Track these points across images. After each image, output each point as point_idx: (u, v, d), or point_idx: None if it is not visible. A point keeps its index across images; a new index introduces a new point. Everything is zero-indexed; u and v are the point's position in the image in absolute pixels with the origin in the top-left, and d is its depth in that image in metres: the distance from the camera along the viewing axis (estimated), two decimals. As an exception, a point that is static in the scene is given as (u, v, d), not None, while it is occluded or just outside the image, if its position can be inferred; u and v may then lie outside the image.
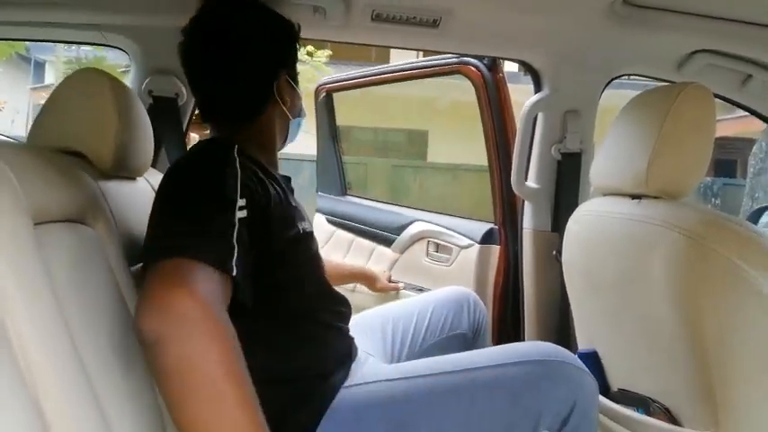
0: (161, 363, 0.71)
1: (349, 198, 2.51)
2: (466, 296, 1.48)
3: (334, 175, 2.55)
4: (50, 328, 0.64)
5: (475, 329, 1.45)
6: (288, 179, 1.20)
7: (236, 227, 0.83)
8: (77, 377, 0.66)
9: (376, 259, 2.20)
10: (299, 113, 1.17)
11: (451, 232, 2.03)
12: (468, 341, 1.44)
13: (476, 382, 0.99)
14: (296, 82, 1.14)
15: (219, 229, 0.82)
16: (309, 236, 1.09)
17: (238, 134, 1.08)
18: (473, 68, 1.91)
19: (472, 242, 1.95)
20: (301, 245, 1.05)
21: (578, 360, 1.03)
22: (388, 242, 2.19)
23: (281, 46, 1.12)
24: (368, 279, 1.94)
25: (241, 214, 0.85)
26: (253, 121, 1.11)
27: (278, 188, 1.03)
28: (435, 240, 2.07)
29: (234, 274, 0.79)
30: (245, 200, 0.87)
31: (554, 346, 1.06)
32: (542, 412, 0.96)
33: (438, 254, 2.06)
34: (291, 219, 1.03)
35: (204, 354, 0.71)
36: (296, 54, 1.16)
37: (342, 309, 1.16)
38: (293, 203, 1.09)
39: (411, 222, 2.14)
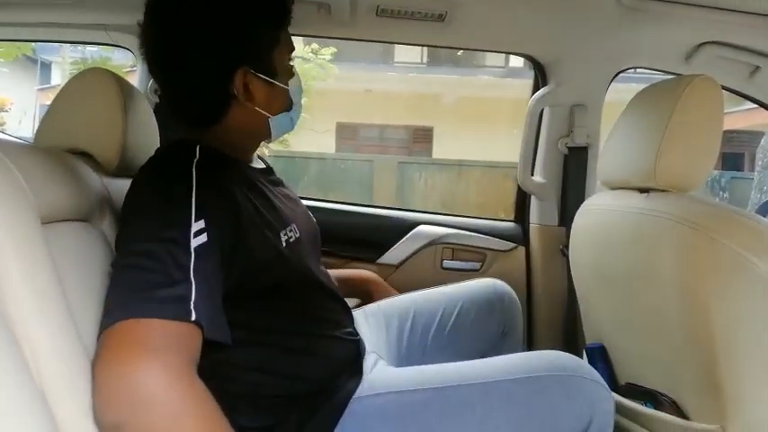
0: None
1: None
2: (499, 292, 1.34)
3: None
4: (59, 326, 0.65)
5: (505, 329, 1.32)
6: (269, 171, 1.11)
7: (192, 259, 0.75)
8: (85, 373, 0.66)
9: None
10: (285, 108, 1.03)
11: (480, 235, 1.82)
12: (496, 341, 1.31)
13: (490, 397, 0.93)
14: (272, 72, 0.98)
15: (171, 270, 0.73)
16: (295, 244, 0.98)
17: (204, 133, 0.98)
18: None
19: (514, 245, 1.82)
20: (284, 258, 0.94)
21: (595, 373, 0.97)
22: (362, 258, 1.76)
23: (234, 32, 0.93)
24: (372, 284, 1.44)
25: (198, 241, 0.77)
26: (215, 124, 0.98)
27: (251, 195, 0.93)
28: (454, 246, 1.80)
29: (193, 318, 0.71)
30: (202, 221, 0.78)
31: (570, 357, 1.00)
32: (557, 429, 0.91)
33: (456, 262, 1.80)
34: (271, 228, 0.93)
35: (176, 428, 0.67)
36: (270, 37, 0.98)
37: (340, 314, 1.10)
38: (275, 205, 0.99)
39: (413, 226, 1.80)
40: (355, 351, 1.07)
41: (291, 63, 1.04)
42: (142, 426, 0.66)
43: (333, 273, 1.31)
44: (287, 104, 1.03)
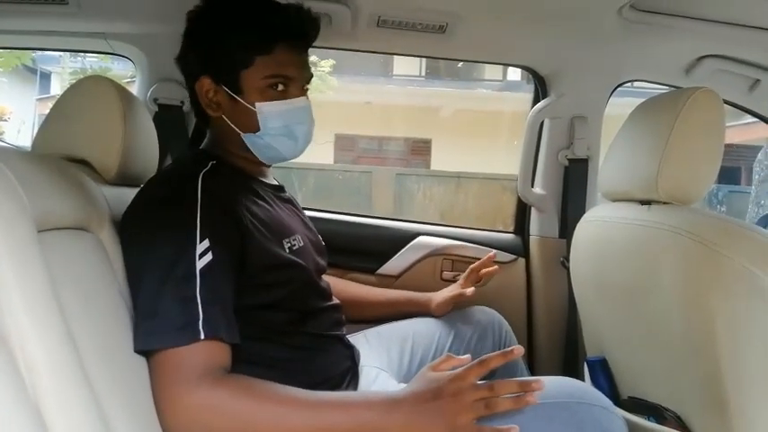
0: None
1: None
2: (490, 317, 1.38)
3: None
4: (54, 335, 0.63)
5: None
6: (280, 188, 1.17)
7: (198, 283, 0.84)
8: (81, 385, 0.65)
9: None
10: (253, 129, 1.03)
11: (480, 246, 1.78)
12: None
13: (491, 420, 0.87)
14: (236, 89, 1.02)
15: (178, 303, 0.83)
16: (299, 252, 1.04)
17: (212, 140, 1.11)
18: None
19: (514, 256, 1.80)
20: (288, 262, 1.01)
21: (605, 399, 0.93)
22: (361, 268, 1.74)
23: (202, 44, 1.03)
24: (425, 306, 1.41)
25: (204, 261, 0.85)
26: (208, 124, 1.10)
27: (255, 207, 1.00)
28: (453, 257, 1.77)
29: (202, 337, 0.81)
30: (207, 240, 0.87)
31: (576, 382, 0.97)
32: None
33: (456, 273, 1.72)
34: (274, 236, 1.00)
35: (230, 423, 0.80)
36: (240, 57, 1.01)
37: (338, 323, 1.14)
38: (280, 216, 1.06)
39: (413, 237, 1.78)
40: (351, 355, 1.13)
41: (282, 89, 1.03)
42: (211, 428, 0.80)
43: (388, 294, 1.43)
44: (255, 125, 1.03)
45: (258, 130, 1.03)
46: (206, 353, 0.82)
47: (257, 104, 1.02)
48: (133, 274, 0.89)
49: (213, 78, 1.02)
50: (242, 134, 1.04)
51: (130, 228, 0.93)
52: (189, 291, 0.83)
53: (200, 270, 0.85)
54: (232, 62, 1.01)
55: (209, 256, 0.86)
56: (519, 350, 0.87)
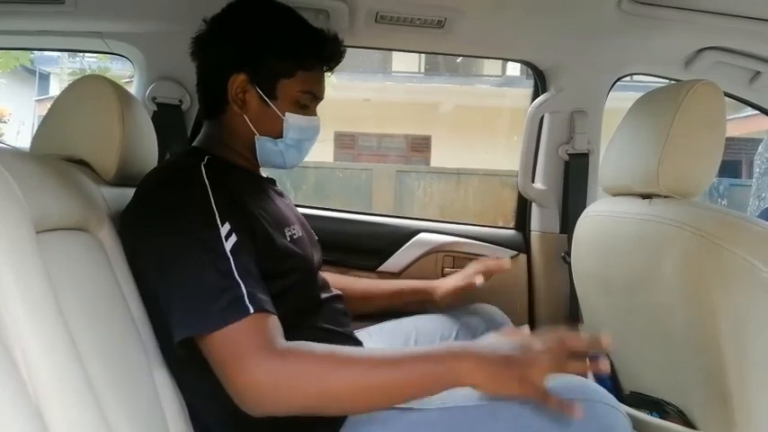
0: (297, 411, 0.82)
1: None
2: (492, 314, 1.37)
3: None
4: (53, 336, 0.63)
5: None
6: (272, 181, 1.19)
7: (232, 261, 0.85)
8: (81, 386, 0.65)
9: None
10: (274, 134, 1.07)
11: (481, 243, 1.78)
12: None
13: (497, 420, 0.89)
14: (271, 94, 1.05)
15: (219, 280, 0.84)
16: (299, 240, 1.06)
17: (211, 135, 1.10)
18: None
19: (515, 252, 1.79)
20: (290, 251, 1.02)
21: (610, 397, 0.93)
22: (362, 266, 1.73)
23: (248, 42, 1.05)
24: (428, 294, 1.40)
25: (230, 243, 0.87)
26: (215, 119, 1.09)
27: (255, 197, 1.02)
28: (455, 254, 1.76)
29: (252, 312, 0.82)
30: (227, 224, 0.88)
31: (580, 380, 0.95)
32: None
33: (457, 270, 1.59)
34: (276, 225, 1.02)
35: (308, 387, 0.81)
36: (282, 66, 1.05)
37: (341, 314, 1.14)
38: (278, 207, 1.08)
39: (414, 234, 1.77)
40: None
41: (305, 104, 1.08)
42: (289, 400, 0.81)
43: (391, 285, 1.42)
44: (277, 131, 1.07)
45: (279, 137, 1.07)
46: (260, 326, 0.83)
47: (287, 114, 1.06)
48: (158, 265, 0.89)
49: (249, 77, 1.04)
50: (257, 136, 1.07)
51: (141, 221, 0.93)
52: (227, 270, 0.84)
53: (230, 250, 0.86)
54: (276, 69, 1.04)
55: (233, 238, 0.87)
56: (605, 365, 0.88)
